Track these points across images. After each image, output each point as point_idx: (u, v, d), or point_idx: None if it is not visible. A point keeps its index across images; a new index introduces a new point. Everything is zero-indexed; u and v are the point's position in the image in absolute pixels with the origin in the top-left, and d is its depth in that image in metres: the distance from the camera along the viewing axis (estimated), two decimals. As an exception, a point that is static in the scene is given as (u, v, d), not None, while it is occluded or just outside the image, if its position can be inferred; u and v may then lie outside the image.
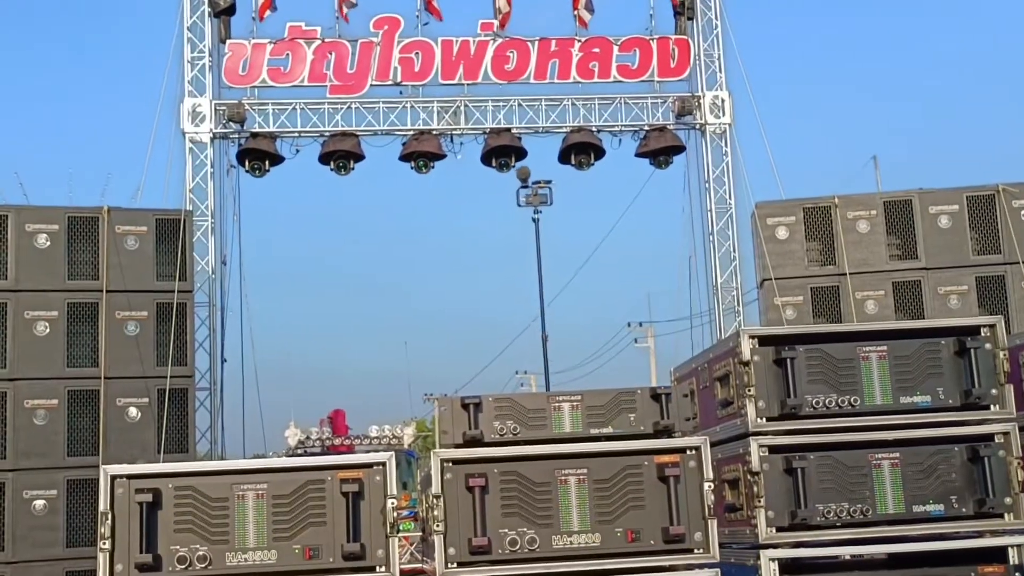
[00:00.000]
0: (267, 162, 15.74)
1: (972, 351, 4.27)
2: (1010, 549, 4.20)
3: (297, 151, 15.90)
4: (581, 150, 16.24)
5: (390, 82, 16.04)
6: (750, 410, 4.23)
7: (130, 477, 3.81)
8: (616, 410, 4.16)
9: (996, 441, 4.25)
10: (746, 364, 4.24)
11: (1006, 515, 4.21)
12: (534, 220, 19.74)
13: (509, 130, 16.13)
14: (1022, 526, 4.22)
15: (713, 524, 4.04)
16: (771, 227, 14.78)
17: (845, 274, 14.57)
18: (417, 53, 16.04)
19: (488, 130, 16.08)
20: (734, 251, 15.99)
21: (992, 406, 4.28)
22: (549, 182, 18.66)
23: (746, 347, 4.25)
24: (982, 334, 4.33)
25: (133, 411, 7.72)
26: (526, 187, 18.97)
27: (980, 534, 4.26)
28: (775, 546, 4.15)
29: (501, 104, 16.19)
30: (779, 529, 4.18)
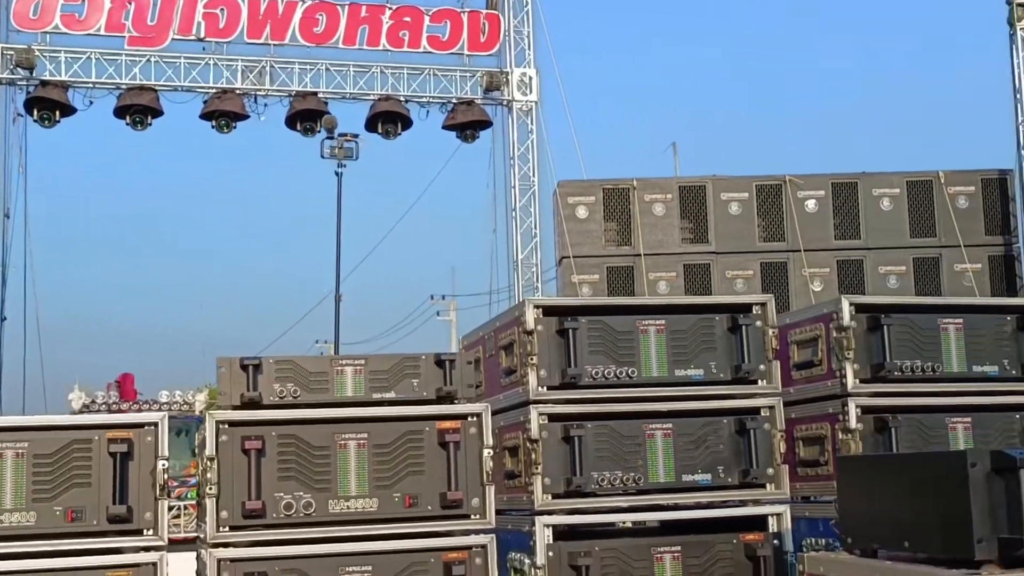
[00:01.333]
0: (57, 112, 15.03)
1: (744, 328, 4.44)
2: (770, 517, 4.40)
3: (91, 103, 15.24)
4: (388, 119, 16.14)
5: (193, 37, 15.55)
6: (531, 379, 4.29)
7: None
8: (400, 375, 4.15)
9: (762, 415, 4.44)
10: (529, 333, 4.29)
11: (768, 485, 4.41)
12: (337, 174, 19.10)
13: (315, 94, 15.88)
14: (782, 496, 4.43)
15: (491, 490, 4.09)
16: (571, 206, 15.10)
17: (640, 255, 15.03)
18: (222, 9, 15.59)
19: (294, 93, 15.80)
20: (535, 228, 16.22)
21: (760, 381, 4.47)
22: (356, 136, 18.03)
23: (530, 317, 4.30)
24: (754, 312, 4.51)
25: None
26: (331, 138, 18.24)
27: (744, 503, 4.45)
28: (550, 512, 4.23)
29: (308, 67, 15.92)
30: (555, 496, 4.25)
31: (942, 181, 14.83)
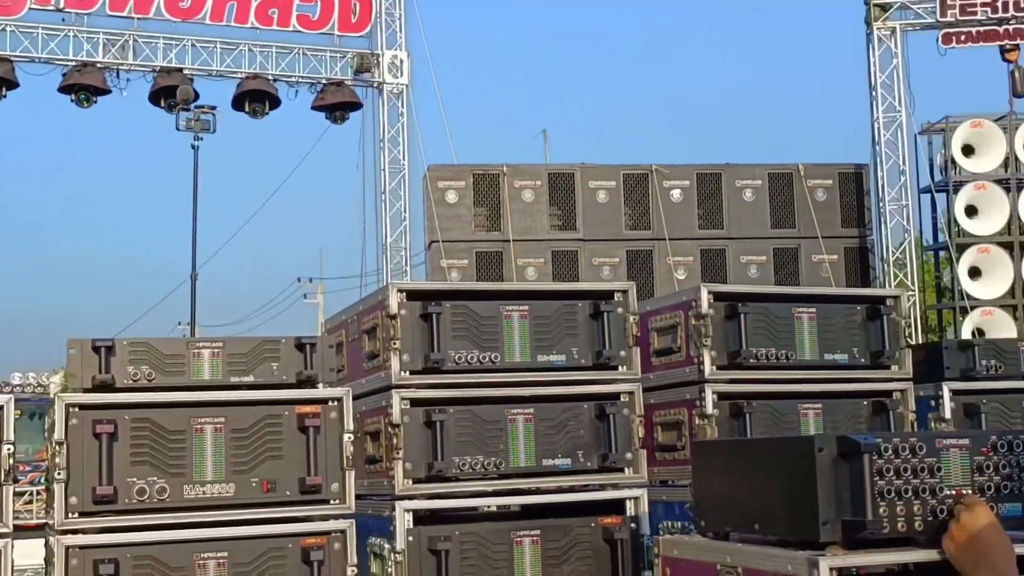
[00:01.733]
0: (-97, 82, 14.35)
1: (606, 314, 4.49)
2: (628, 501, 4.47)
3: (-60, 72, 14.59)
4: (256, 98, 15.86)
5: (52, 7, 15.00)
6: (394, 363, 4.26)
7: None
8: (259, 359, 4.08)
9: (622, 400, 4.50)
10: (393, 318, 4.26)
11: (626, 469, 4.48)
12: (194, 147, 18.32)
13: (180, 70, 15.49)
14: (640, 480, 4.50)
15: (350, 475, 4.05)
16: (441, 190, 15.07)
17: (509, 240, 15.10)
18: (83, -21, 15.08)
19: (158, 68, 15.38)
20: (405, 212, 16.14)
21: (620, 367, 4.53)
22: (214, 108, 17.32)
23: (393, 301, 4.27)
24: (616, 299, 4.56)
25: None
26: (187, 111, 17.36)
27: (603, 487, 4.51)
28: (411, 497, 4.22)
29: (173, 43, 15.52)
30: (416, 481, 4.24)
31: (802, 174, 15.25)
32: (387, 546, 4.19)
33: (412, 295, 4.34)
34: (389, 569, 4.15)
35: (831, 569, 2.78)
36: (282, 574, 3.92)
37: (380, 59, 16.03)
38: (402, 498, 4.20)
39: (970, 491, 2.91)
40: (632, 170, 15.21)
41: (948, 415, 5.25)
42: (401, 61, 16.11)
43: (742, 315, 4.61)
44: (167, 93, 15.49)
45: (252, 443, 3.96)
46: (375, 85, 16.17)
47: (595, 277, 14.51)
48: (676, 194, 15.06)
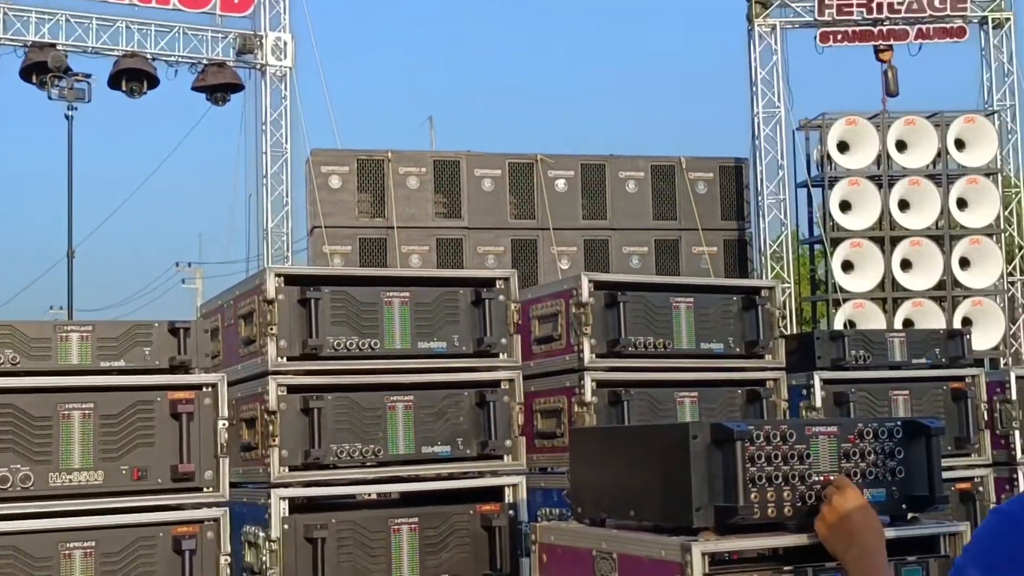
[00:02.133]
0: None
1: (487, 302, 4.49)
2: (506, 488, 4.48)
3: None
4: (133, 76, 15.43)
5: (-85, -23, 14.39)
6: (271, 349, 4.19)
7: None
8: (130, 343, 3.97)
9: (502, 387, 4.51)
10: (270, 302, 4.19)
11: (505, 457, 4.48)
12: (68, 117, 17.50)
13: (54, 46, 14.99)
14: (519, 467, 4.51)
15: (225, 463, 3.97)
16: (325, 175, 14.88)
17: (393, 227, 14.99)
18: (-50, -52, 14.48)
19: (30, 43, 14.86)
20: (287, 196, 15.91)
21: (501, 354, 4.53)
22: (88, 76, 16.43)
23: (271, 285, 4.20)
24: (497, 286, 4.56)
25: None
26: (60, 77, 16.62)
27: (482, 474, 4.51)
28: (287, 485, 4.16)
29: (46, 17, 15.01)
30: (292, 469, 4.19)
31: (683, 167, 15.47)
32: (262, 534, 4.13)
33: (290, 280, 4.27)
34: (264, 558, 4.09)
35: (703, 554, 2.82)
36: (152, 564, 3.82)
37: (263, 41, 15.75)
38: (278, 486, 4.14)
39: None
40: (518, 159, 15.24)
41: (819, 403, 5.38)
42: (285, 43, 15.85)
43: (621, 304, 4.65)
44: (39, 69, 14.98)
45: (122, 430, 3.85)
46: (258, 67, 15.89)
47: (480, 265, 14.51)
48: (561, 184, 15.14)
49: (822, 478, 2.97)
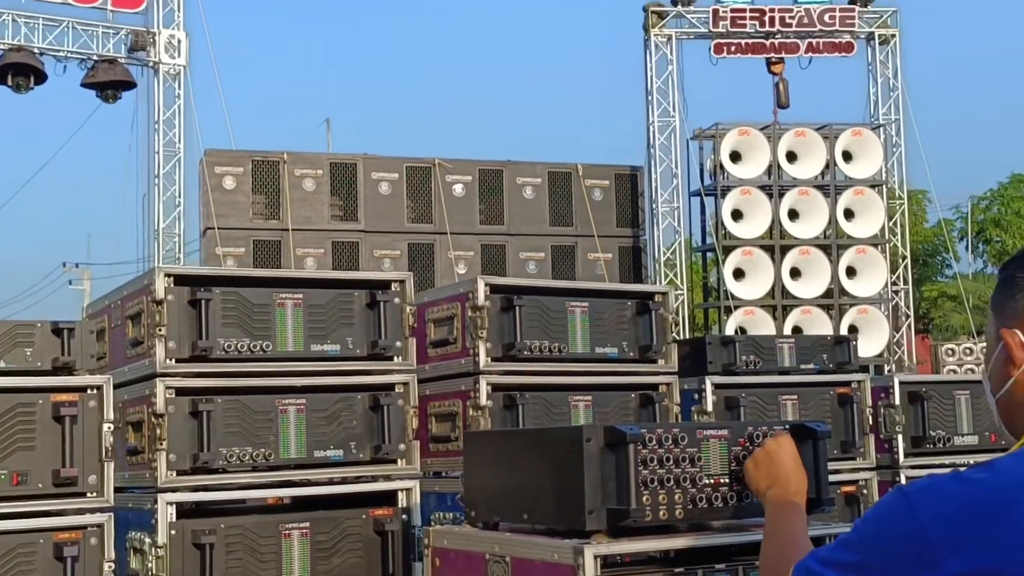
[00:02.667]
0: None
1: (382, 304, 4.45)
2: (400, 492, 4.44)
3: None
4: (20, 71, 14.96)
5: None
6: (159, 351, 4.10)
7: None
8: (11, 344, 3.84)
9: (396, 391, 4.47)
10: (159, 303, 4.10)
11: (399, 461, 4.45)
12: None
13: (-65, 38, 14.47)
14: (412, 471, 4.48)
15: (110, 467, 3.87)
16: (218, 176, 14.62)
17: (288, 229, 14.80)
18: None
19: (-92, 34, 14.32)
20: (180, 197, 15.59)
21: (396, 357, 4.50)
22: None
23: (160, 285, 4.10)
24: (392, 289, 4.53)
25: None
26: None
27: (375, 478, 4.47)
28: (174, 490, 4.07)
29: (-73, 8, 14.49)
30: (180, 473, 4.09)
31: (580, 174, 15.59)
32: (148, 540, 4.03)
33: (180, 280, 4.19)
34: (150, 564, 3.99)
35: (595, 557, 2.84)
36: (31, 572, 3.71)
37: (156, 38, 15.42)
38: (165, 491, 4.05)
39: (727, 480, 3.02)
40: (415, 163, 15.18)
41: (710, 408, 5.45)
42: (179, 41, 15.54)
43: (517, 308, 4.66)
44: (-81, 61, 14.44)
45: (1, 433, 3.73)
46: (151, 64, 15.54)
47: (376, 269, 14.40)
48: (458, 189, 15.13)
49: (713, 481, 3.01)
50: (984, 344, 2.00)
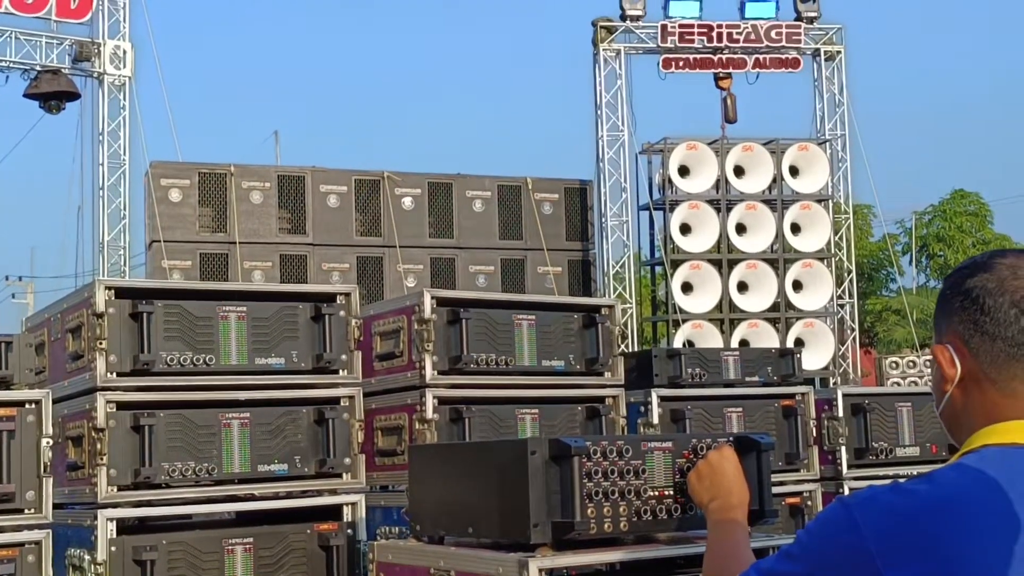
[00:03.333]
0: None
1: (327, 317, 4.42)
2: (345, 507, 4.41)
3: None
4: (-39, 81, 14.75)
5: None
6: (99, 364, 4.03)
7: None
8: (-54, 358, 3.77)
9: (342, 404, 4.44)
10: (99, 316, 4.04)
11: (344, 475, 4.42)
12: None
13: None
14: (358, 485, 4.45)
15: (48, 483, 3.80)
16: (164, 188, 14.48)
17: (235, 243, 14.68)
18: None
19: None
20: (125, 209, 15.42)
21: (341, 371, 4.46)
22: None
23: (100, 298, 4.04)
24: (338, 302, 4.50)
25: None
26: None
27: (320, 493, 4.43)
28: (115, 505, 4.00)
29: None
30: (121, 488, 4.03)
31: (530, 188, 15.63)
32: (87, 557, 3.96)
33: (121, 292, 4.13)
34: (89, 582, 3.92)
35: (540, 570, 2.83)
36: (-34, 590, 3.63)
37: (101, 48, 15.26)
38: (105, 506, 3.98)
39: (672, 492, 3.03)
40: (364, 175, 15.14)
41: (656, 420, 5.47)
42: (124, 52, 15.39)
43: (464, 320, 4.64)
44: None
45: (-65, 449, 3.65)
46: (95, 75, 15.38)
47: (324, 282, 14.32)
48: (407, 202, 15.10)
49: (658, 493, 3.01)
50: (929, 357, 2.03)
